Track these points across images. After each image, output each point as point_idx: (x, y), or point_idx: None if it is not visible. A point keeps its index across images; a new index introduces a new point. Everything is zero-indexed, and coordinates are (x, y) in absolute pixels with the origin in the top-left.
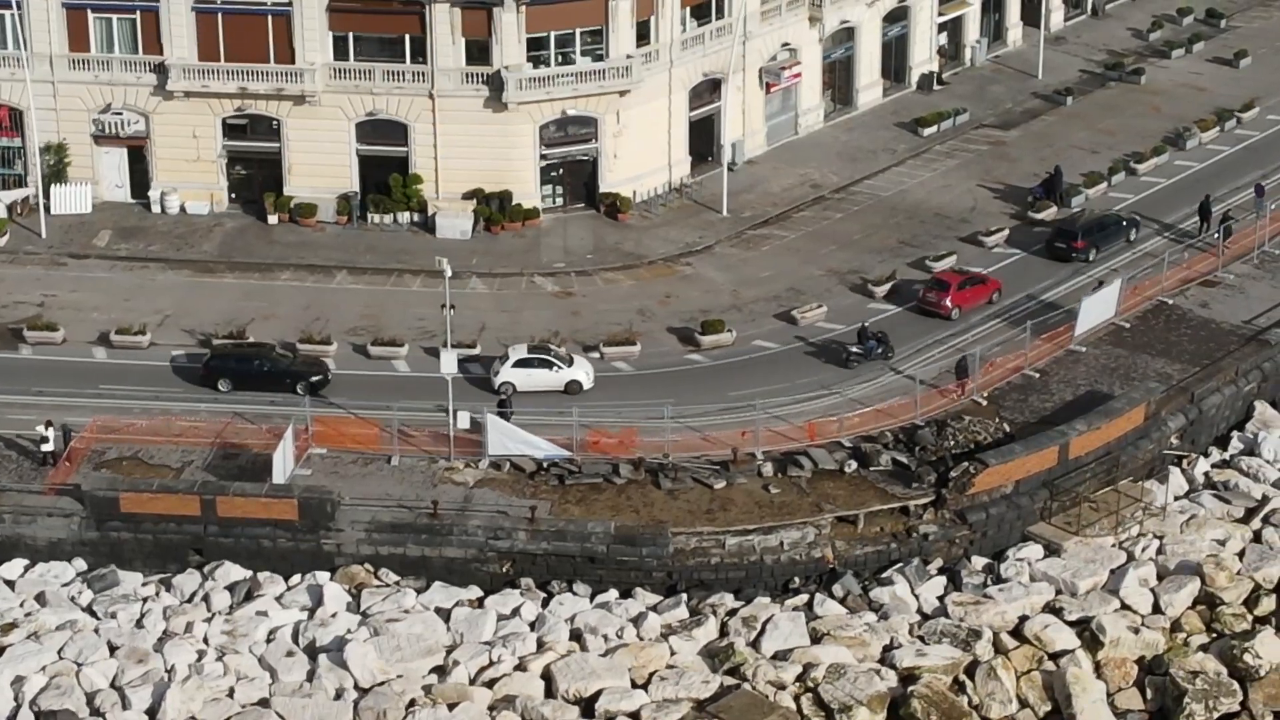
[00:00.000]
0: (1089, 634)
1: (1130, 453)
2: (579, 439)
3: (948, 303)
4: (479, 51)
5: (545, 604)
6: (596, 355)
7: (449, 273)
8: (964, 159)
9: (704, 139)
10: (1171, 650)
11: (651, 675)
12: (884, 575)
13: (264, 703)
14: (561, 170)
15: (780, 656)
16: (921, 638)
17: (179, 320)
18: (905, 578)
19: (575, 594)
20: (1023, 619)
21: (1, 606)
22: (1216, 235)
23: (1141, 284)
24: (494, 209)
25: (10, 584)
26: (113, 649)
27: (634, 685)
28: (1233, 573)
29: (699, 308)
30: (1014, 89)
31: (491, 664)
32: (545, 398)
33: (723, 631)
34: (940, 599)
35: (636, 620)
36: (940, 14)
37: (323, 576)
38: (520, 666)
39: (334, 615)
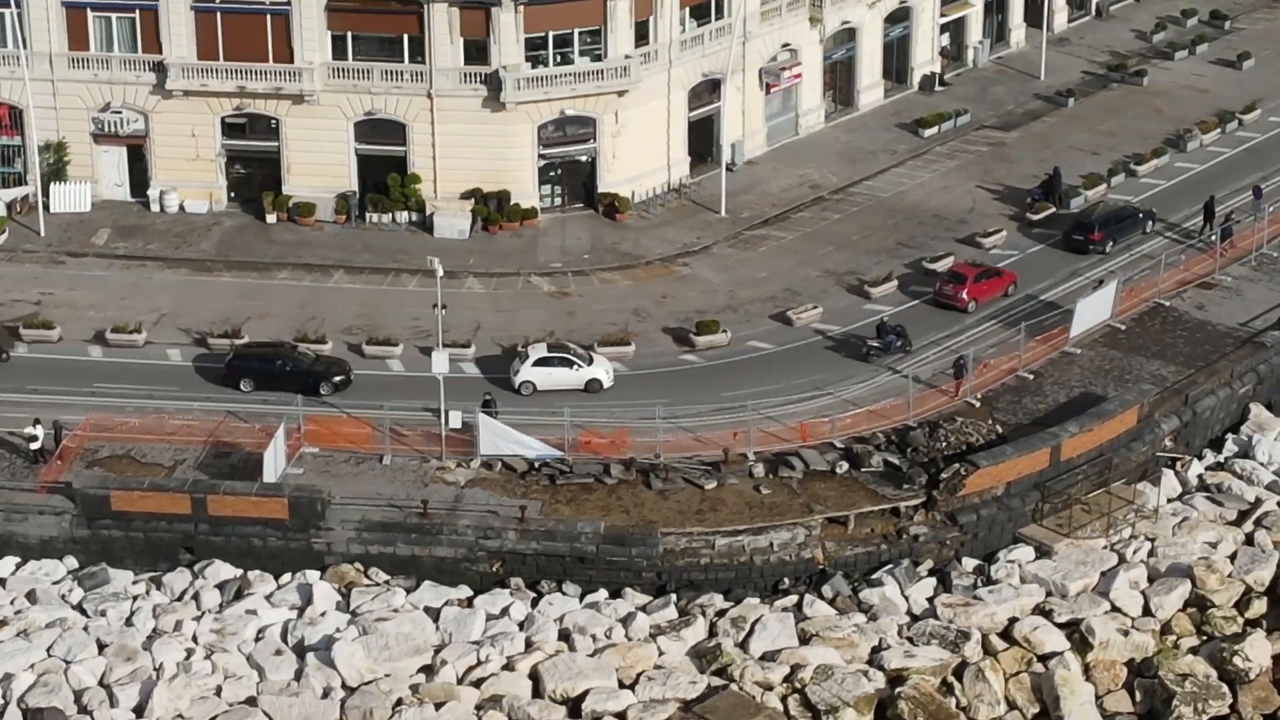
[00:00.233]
0: (1078, 636)
1: (1123, 455)
2: (571, 439)
3: (964, 295)
4: (477, 51)
5: (535, 604)
6: None
7: (440, 272)
8: (964, 160)
9: (704, 139)
10: (1161, 653)
11: (639, 675)
12: (874, 576)
13: (251, 701)
14: (560, 170)
15: (768, 657)
16: (910, 639)
17: (175, 319)
18: (895, 579)
19: (565, 594)
20: (1012, 621)
21: None
22: (1214, 236)
23: (1138, 286)
24: (492, 209)
25: (1, 581)
26: (101, 647)
27: (621, 685)
28: (1224, 575)
29: (695, 308)
30: (1016, 90)
31: (479, 663)
32: (539, 397)
33: (711, 632)
34: (930, 600)
35: (625, 620)
36: (942, 15)
37: (313, 575)
38: (508, 666)
39: (323, 614)
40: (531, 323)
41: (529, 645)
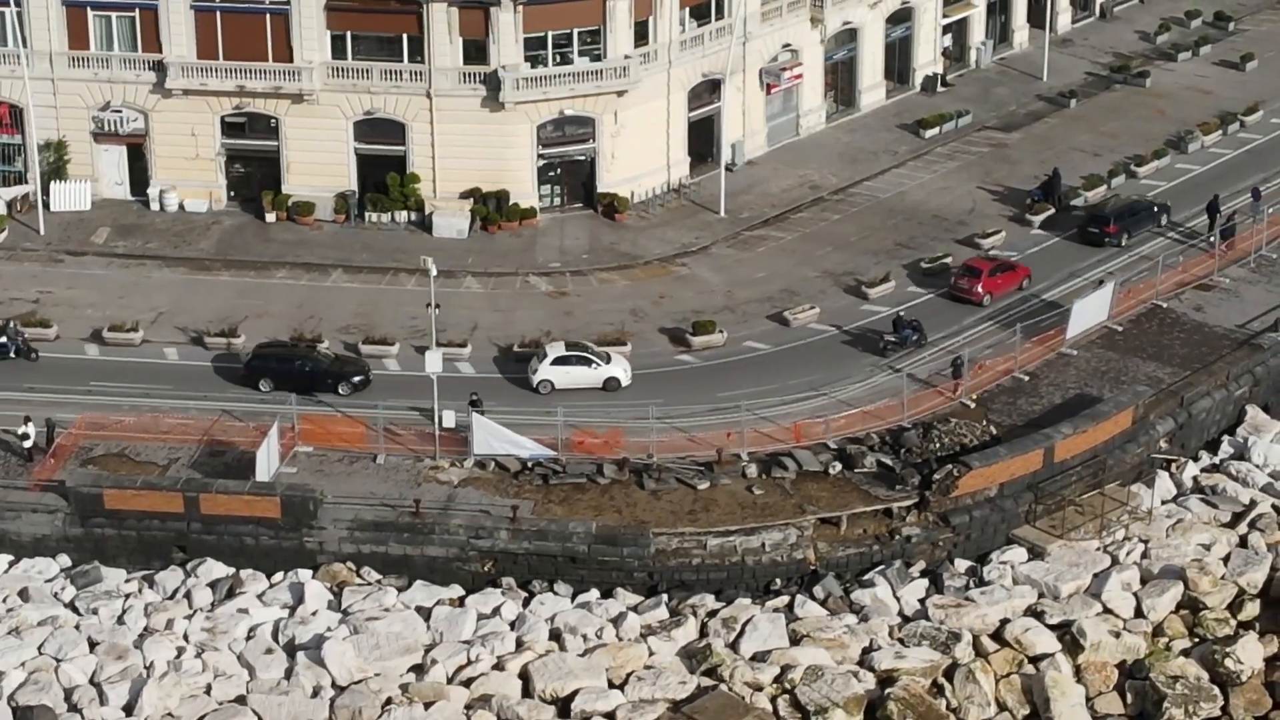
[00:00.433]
0: (1070, 638)
1: (1117, 456)
2: (564, 439)
3: (979, 289)
4: (476, 51)
5: (526, 603)
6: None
7: (434, 272)
8: (965, 161)
9: (704, 139)
10: (1153, 654)
11: (629, 676)
12: (866, 577)
13: (241, 700)
14: (559, 170)
15: (759, 658)
16: (901, 640)
17: (172, 318)
18: (887, 580)
19: (556, 594)
20: (1004, 622)
21: None
22: (1214, 236)
23: (1135, 287)
24: (491, 208)
25: None
26: (93, 645)
27: (611, 685)
28: (1216, 577)
29: (692, 308)
30: (1018, 91)
31: (470, 663)
32: (527, 396)
33: (702, 632)
34: (921, 601)
35: (616, 620)
36: (945, 16)
37: (305, 574)
38: (498, 666)
39: (314, 613)
40: (529, 323)
41: (520, 645)
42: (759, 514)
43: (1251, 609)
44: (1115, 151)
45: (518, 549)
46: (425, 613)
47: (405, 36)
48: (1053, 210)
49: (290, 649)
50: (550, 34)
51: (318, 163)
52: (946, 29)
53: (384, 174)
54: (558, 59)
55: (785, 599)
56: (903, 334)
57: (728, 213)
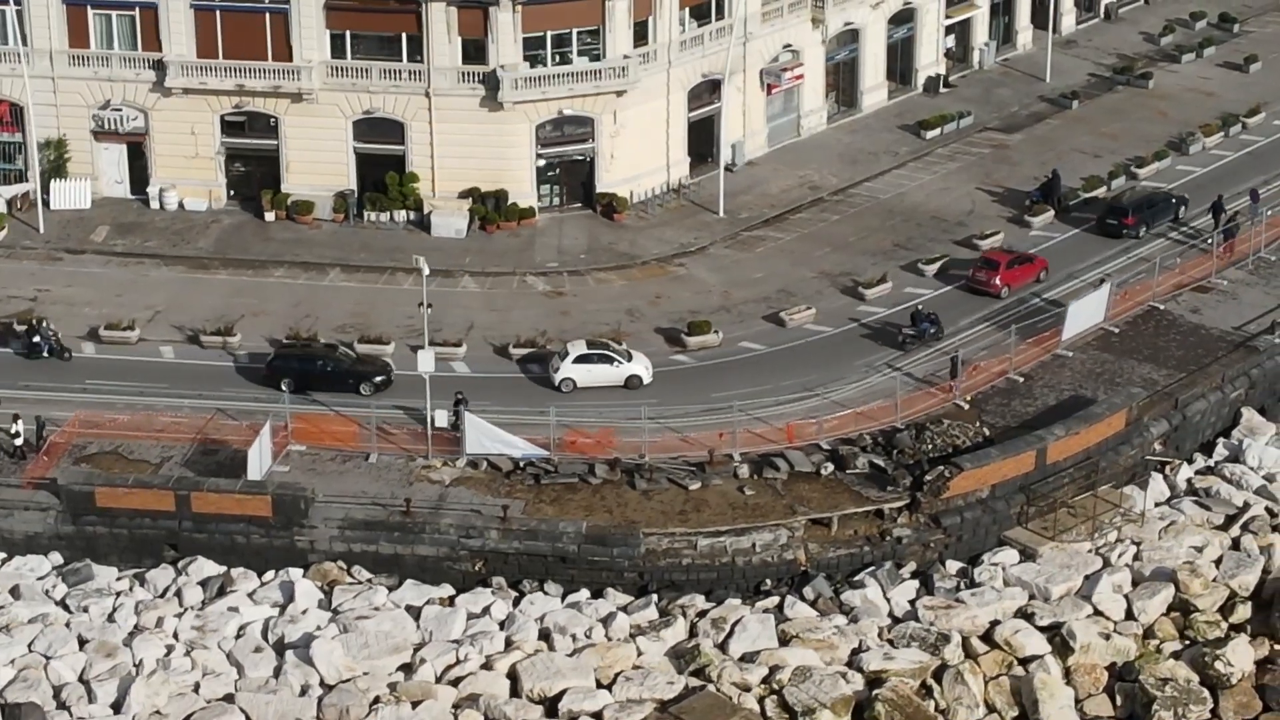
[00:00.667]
0: (1060, 639)
1: (1111, 458)
2: (556, 438)
3: (997, 281)
4: (475, 50)
5: (516, 603)
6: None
7: (426, 271)
8: (965, 162)
9: (704, 140)
10: (1143, 657)
11: (617, 676)
12: (856, 578)
13: (229, 698)
14: (558, 170)
15: (748, 658)
16: (890, 641)
17: (169, 316)
18: (877, 581)
19: (546, 593)
20: (994, 624)
21: None
22: (1215, 237)
23: (1132, 288)
24: (490, 208)
25: None
26: (83, 643)
27: (599, 685)
28: (1208, 580)
29: (688, 309)
30: (1021, 92)
31: (458, 662)
32: (519, 396)
33: (692, 633)
34: (912, 603)
35: (606, 620)
36: (948, 16)
37: (296, 573)
38: (487, 665)
39: (304, 612)
40: (525, 322)
41: (509, 644)
42: (750, 514)
43: (1243, 611)
44: (1116, 153)
45: (508, 548)
46: (415, 612)
47: (404, 36)
48: (1052, 211)
49: (279, 647)
50: (549, 34)
51: (317, 162)
52: (950, 30)
53: (383, 173)
54: (557, 59)
55: (775, 600)
56: (920, 327)
57: (727, 213)
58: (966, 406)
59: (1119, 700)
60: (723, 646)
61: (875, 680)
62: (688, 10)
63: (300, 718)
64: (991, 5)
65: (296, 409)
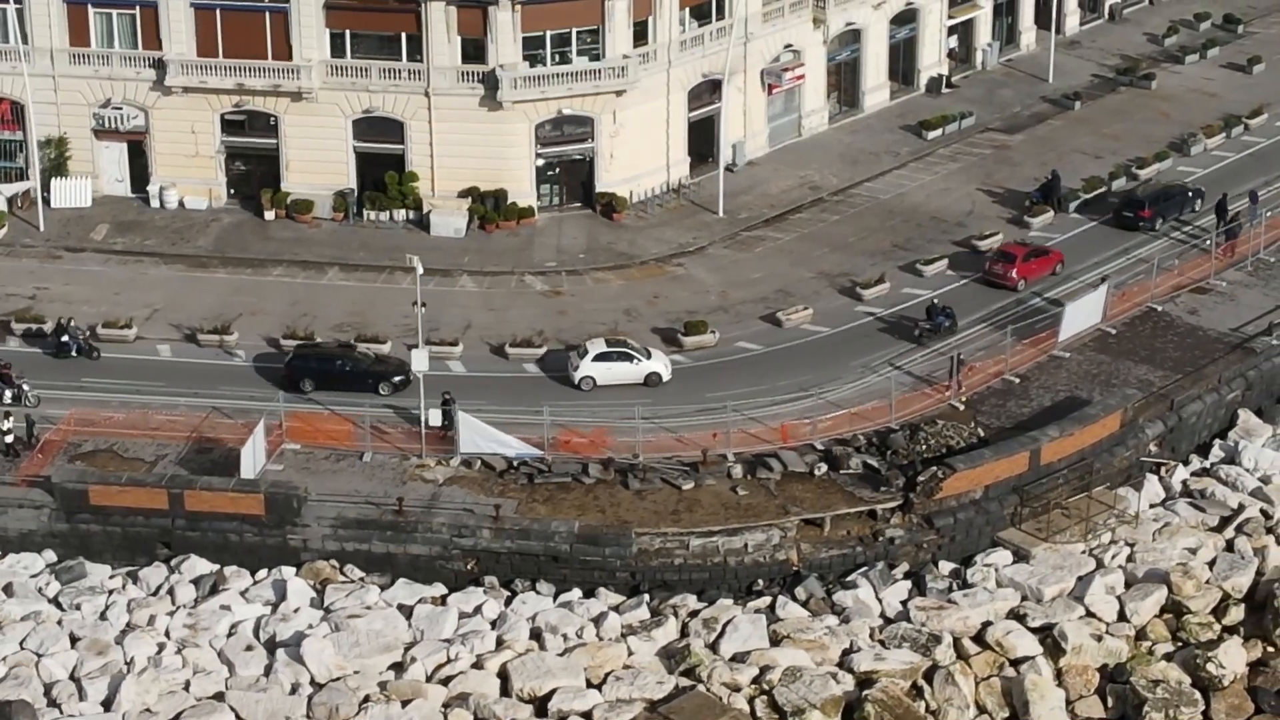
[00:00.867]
0: (1051, 641)
1: (1105, 460)
2: (550, 438)
3: (1014, 274)
4: (475, 50)
5: (508, 602)
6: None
7: (420, 270)
8: (966, 162)
9: (705, 140)
10: (1135, 658)
11: (607, 675)
12: (848, 579)
13: (219, 696)
14: (558, 169)
15: (738, 658)
16: (881, 642)
17: (167, 314)
18: (869, 581)
19: (539, 593)
20: (986, 625)
21: None
22: (1216, 237)
23: (1130, 290)
24: (489, 207)
25: None
26: (74, 641)
27: (589, 685)
28: (1201, 581)
29: (686, 308)
30: (1023, 93)
31: (449, 661)
32: (523, 396)
33: (683, 632)
34: (904, 603)
35: (597, 620)
36: (951, 17)
37: (288, 572)
38: (477, 664)
39: (296, 610)
40: (522, 321)
41: (500, 644)
42: (742, 515)
43: (1236, 613)
44: (1117, 154)
45: (500, 548)
46: (407, 611)
47: (404, 35)
48: (1051, 212)
49: (271, 646)
50: (548, 33)
51: (317, 161)
52: (953, 30)
53: (382, 172)
54: (556, 58)
55: (767, 600)
56: (936, 320)
57: (726, 213)
58: (962, 407)
59: (1110, 702)
60: (714, 646)
61: (866, 681)
62: (688, 10)
63: (290, 716)
64: (995, 6)
65: (291, 407)
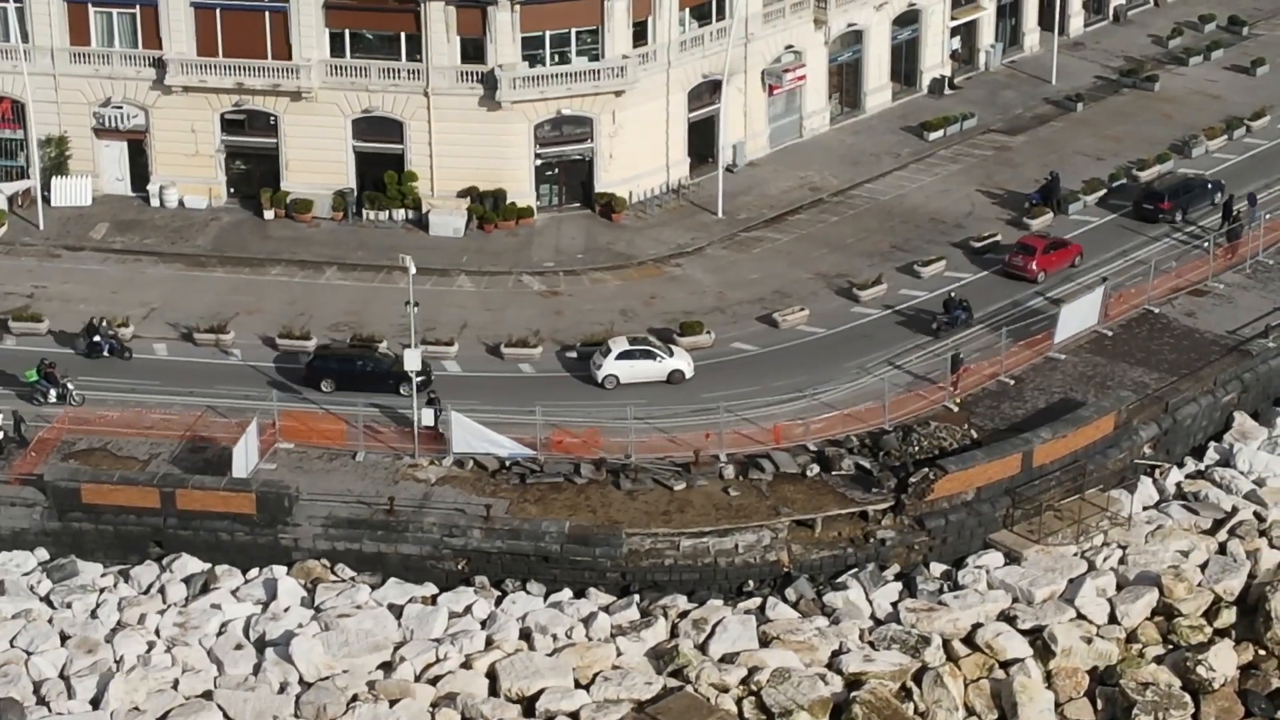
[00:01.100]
0: (1041, 643)
1: (1098, 462)
2: (543, 438)
3: (1034, 266)
4: (474, 50)
5: (499, 602)
6: (573, 355)
7: (413, 270)
8: (967, 164)
9: (705, 140)
10: (1125, 661)
11: (595, 675)
12: (839, 580)
13: (207, 695)
14: (557, 170)
15: (727, 659)
16: (871, 643)
17: (164, 313)
18: (860, 583)
19: (529, 593)
20: (976, 627)
21: None
22: (1212, 239)
23: (1127, 291)
24: (488, 207)
25: None
26: (65, 639)
27: (578, 685)
28: (1192, 584)
29: (682, 309)
30: (1026, 94)
31: (438, 661)
32: (517, 395)
33: (673, 633)
34: (894, 605)
35: (587, 620)
36: (953, 18)
37: (279, 571)
38: (466, 664)
39: (286, 609)
40: (518, 321)
41: (489, 644)
42: (733, 515)
43: (1228, 616)
44: (1119, 156)
45: (491, 548)
46: (397, 610)
47: (403, 35)
48: (1051, 214)
49: (261, 645)
50: (548, 33)
51: (316, 160)
52: (955, 31)
53: (382, 172)
54: (555, 59)
55: (757, 601)
56: (954, 314)
57: (725, 214)
58: (956, 409)
59: (1100, 704)
60: (703, 647)
61: (854, 682)
62: (688, 10)
63: (278, 715)
64: (998, 7)
65: (285, 406)
